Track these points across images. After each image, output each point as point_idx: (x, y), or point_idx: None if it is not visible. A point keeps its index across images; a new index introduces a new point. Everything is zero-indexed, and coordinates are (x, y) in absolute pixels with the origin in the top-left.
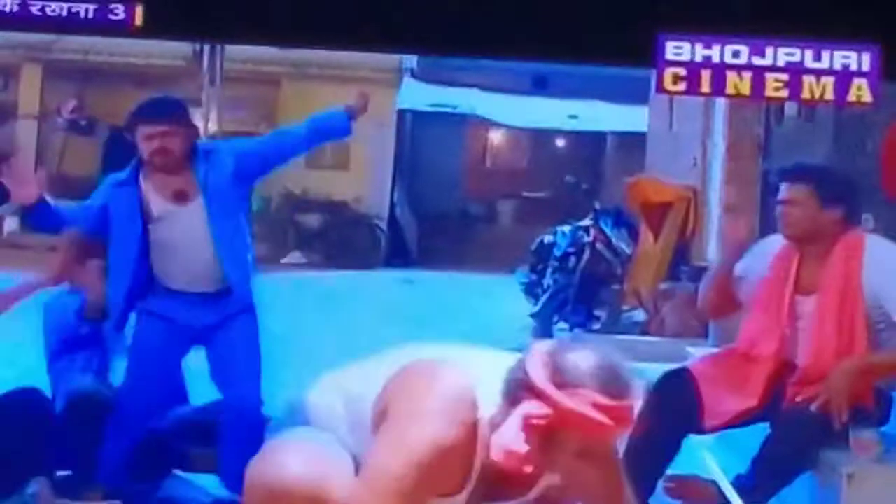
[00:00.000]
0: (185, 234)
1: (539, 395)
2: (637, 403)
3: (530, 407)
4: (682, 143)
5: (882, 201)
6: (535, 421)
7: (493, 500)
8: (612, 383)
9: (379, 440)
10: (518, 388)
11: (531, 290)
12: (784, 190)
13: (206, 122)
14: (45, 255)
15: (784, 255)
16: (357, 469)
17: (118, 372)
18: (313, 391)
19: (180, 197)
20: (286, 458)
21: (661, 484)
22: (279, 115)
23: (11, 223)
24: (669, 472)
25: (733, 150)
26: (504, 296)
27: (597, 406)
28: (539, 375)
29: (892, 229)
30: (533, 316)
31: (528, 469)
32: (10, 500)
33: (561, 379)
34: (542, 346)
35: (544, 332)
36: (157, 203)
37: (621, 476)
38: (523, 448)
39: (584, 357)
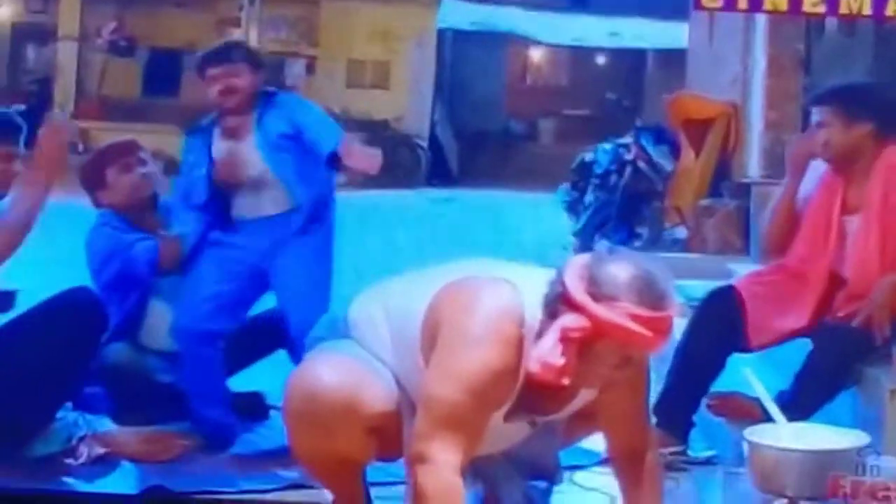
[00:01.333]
0: (242, 167)
1: (576, 307)
2: (675, 314)
3: (568, 319)
4: (722, 59)
5: None
6: (572, 333)
7: (533, 414)
8: (649, 294)
9: (431, 369)
10: (557, 301)
11: (572, 208)
12: (814, 115)
13: (246, 42)
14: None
15: (830, 179)
16: (398, 384)
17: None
18: (355, 305)
19: (232, 134)
20: (321, 370)
21: (704, 401)
22: (319, 34)
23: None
24: (713, 389)
25: (774, 66)
26: (545, 214)
27: (633, 317)
28: (576, 288)
29: None
30: (574, 234)
31: (565, 381)
32: (53, 422)
33: (598, 291)
34: (581, 259)
35: (586, 249)
36: (217, 146)
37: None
38: (559, 360)
39: (621, 269)
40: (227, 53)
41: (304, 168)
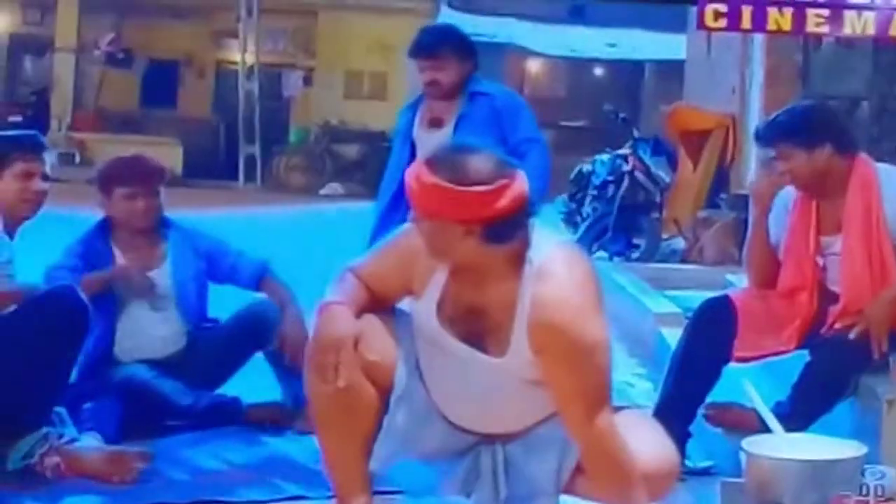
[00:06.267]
0: None
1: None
2: (458, 188)
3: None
4: (720, 70)
5: None
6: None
7: (470, 340)
8: (446, 167)
9: None
10: None
11: (570, 219)
12: (769, 149)
13: (244, 53)
14: (83, 187)
15: (801, 203)
16: None
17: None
18: None
19: (435, 123)
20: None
21: (701, 411)
22: (317, 45)
23: (49, 157)
24: (709, 399)
25: (771, 77)
26: (543, 224)
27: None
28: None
29: None
30: None
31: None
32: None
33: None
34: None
35: None
36: (417, 127)
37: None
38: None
39: (447, 146)
40: (436, 46)
41: None
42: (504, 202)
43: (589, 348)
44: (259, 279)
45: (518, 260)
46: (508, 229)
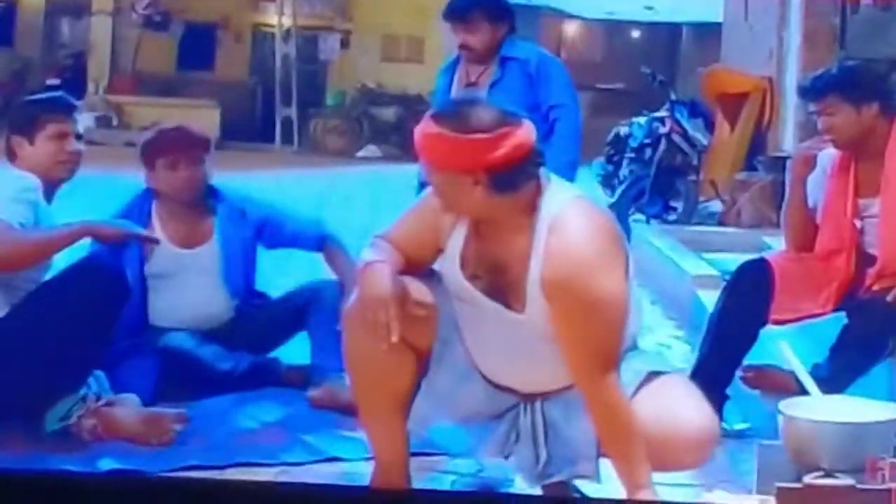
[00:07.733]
0: None
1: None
2: (457, 136)
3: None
4: (757, 33)
5: None
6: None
7: (495, 297)
8: (449, 116)
9: None
10: None
11: (607, 182)
12: (814, 104)
13: (281, 17)
14: (121, 150)
15: (840, 165)
16: None
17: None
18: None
19: (471, 87)
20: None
21: (738, 373)
22: (354, 9)
23: (87, 120)
24: (746, 362)
25: (809, 41)
26: (580, 187)
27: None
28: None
29: None
30: (609, 207)
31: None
32: (70, 394)
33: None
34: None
35: (621, 223)
36: (455, 89)
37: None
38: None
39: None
40: (467, 10)
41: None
42: (505, 150)
43: (596, 302)
44: (323, 243)
45: (532, 212)
46: (514, 178)
